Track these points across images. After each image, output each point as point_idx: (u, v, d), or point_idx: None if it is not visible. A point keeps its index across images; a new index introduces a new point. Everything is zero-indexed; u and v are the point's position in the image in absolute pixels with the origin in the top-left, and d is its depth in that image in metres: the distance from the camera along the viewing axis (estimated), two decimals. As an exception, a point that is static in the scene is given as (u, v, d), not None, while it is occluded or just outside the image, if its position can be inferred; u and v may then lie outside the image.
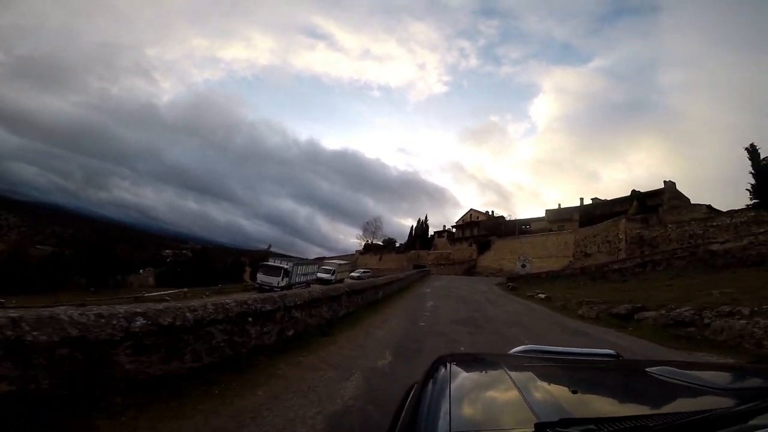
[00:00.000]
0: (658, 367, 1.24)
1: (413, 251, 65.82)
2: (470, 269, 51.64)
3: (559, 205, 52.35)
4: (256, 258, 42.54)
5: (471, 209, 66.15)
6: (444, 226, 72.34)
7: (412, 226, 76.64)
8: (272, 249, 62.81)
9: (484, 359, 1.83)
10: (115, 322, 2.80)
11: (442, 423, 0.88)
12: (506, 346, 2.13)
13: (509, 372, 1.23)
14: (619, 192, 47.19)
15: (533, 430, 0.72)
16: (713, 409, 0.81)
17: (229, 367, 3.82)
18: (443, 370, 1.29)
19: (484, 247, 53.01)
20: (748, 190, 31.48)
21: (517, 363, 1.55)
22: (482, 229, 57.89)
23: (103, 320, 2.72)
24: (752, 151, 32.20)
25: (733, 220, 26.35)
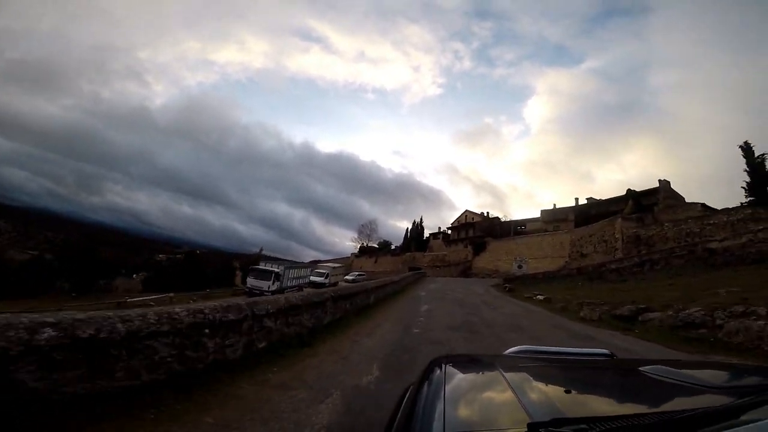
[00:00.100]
0: (652, 366, 1.23)
1: (409, 253, 65.24)
2: (466, 271, 51.14)
3: (555, 205, 52.15)
4: (248, 261, 41.43)
5: (466, 210, 65.79)
6: (439, 227, 72.04)
7: (408, 228, 76.29)
8: (267, 253, 61.90)
9: (479, 360, 1.84)
10: (12, 334, 2.29)
11: (437, 424, 0.87)
12: None
13: (504, 372, 1.23)
14: (613, 192, 46.95)
15: (526, 430, 0.71)
16: (705, 407, 0.80)
17: (179, 385, 3.19)
18: (438, 371, 1.29)
19: (479, 248, 52.58)
20: (743, 188, 31.44)
21: (512, 363, 1.53)
22: (477, 231, 57.48)
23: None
24: (746, 149, 32.17)
25: (730, 218, 26.14)
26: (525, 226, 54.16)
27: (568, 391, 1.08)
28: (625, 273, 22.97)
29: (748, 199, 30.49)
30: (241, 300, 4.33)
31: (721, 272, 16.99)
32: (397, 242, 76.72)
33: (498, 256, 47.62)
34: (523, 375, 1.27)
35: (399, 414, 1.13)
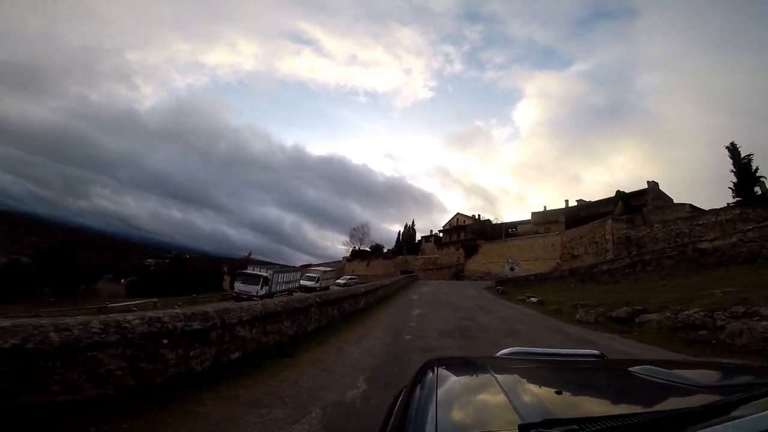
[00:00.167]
0: (641, 366, 1.23)
1: (401, 257, 64.81)
2: (458, 273, 50.92)
3: (545, 207, 52.38)
4: (236, 265, 40.42)
5: (458, 213, 65.68)
6: (431, 230, 71.78)
7: (400, 232, 75.86)
8: (257, 257, 60.89)
9: (471, 362, 1.85)
10: None
11: (429, 427, 0.88)
12: None
13: (495, 374, 1.23)
14: (602, 194, 47.48)
15: (517, 431, 0.71)
16: (694, 405, 0.81)
17: (131, 401, 2.79)
18: (430, 374, 1.28)
19: (471, 251, 52.43)
20: (730, 188, 31.82)
21: (504, 365, 1.52)
22: (469, 233, 57.37)
23: None
24: (733, 150, 32.61)
25: (719, 218, 26.38)
26: (516, 229, 54.25)
27: (558, 392, 1.08)
28: (617, 274, 22.94)
29: (736, 199, 30.87)
30: (209, 307, 3.86)
31: (713, 272, 16.97)
32: (389, 246, 76.32)
33: (490, 259, 47.51)
34: (515, 376, 1.29)
35: (392, 417, 1.13)
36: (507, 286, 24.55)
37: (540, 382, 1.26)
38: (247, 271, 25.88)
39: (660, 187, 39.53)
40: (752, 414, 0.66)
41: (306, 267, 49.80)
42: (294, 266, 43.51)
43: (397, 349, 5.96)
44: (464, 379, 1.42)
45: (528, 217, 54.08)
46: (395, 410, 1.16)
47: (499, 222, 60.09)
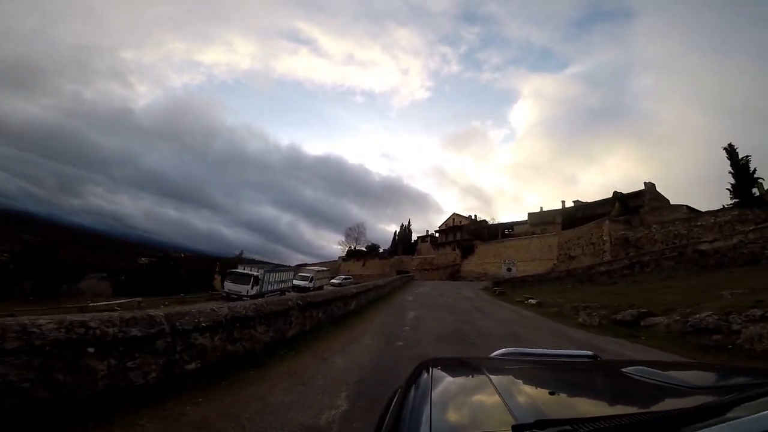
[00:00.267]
0: (634, 367, 1.23)
1: (396, 257, 64.24)
2: (454, 274, 50.44)
3: (542, 208, 51.96)
4: (226, 264, 39.49)
5: (454, 213, 65.22)
6: (427, 231, 71.26)
7: (396, 232, 75.28)
8: (254, 256, 59.96)
9: (466, 363, 1.88)
10: None
11: (424, 428, 0.88)
12: None
13: (490, 375, 1.22)
14: (597, 195, 47.38)
15: None
16: (687, 406, 0.81)
17: (41, 420, 2.21)
18: (425, 375, 1.28)
19: (467, 251, 51.97)
20: (728, 189, 31.64)
21: (498, 366, 1.52)
22: (465, 234, 56.92)
23: None
24: (731, 151, 32.43)
25: (718, 219, 26.08)
26: (513, 229, 53.87)
27: (552, 393, 1.09)
28: (615, 275, 22.58)
29: (734, 200, 30.68)
30: (159, 311, 3.26)
31: (714, 274, 16.60)
32: (385, 246, 75.70)
33: (486, 259, 47.08)
34: (509, 377, 1.30)
35: (387, 418, 1.13)
36: (504, 287, 24.05)
37: (534, 382, 1.26)
38: (237, 270, 25.08)
39: (656, 189, 39.36)
40: (746, 415, 0.65)
41: (301, 267, 49.06)
42: (287, 265, 42.68)
43: (388, 358, 5.32)
44: (459, 380, 1.41)
45: (524, 217, 53.73)
46: (390, 411, 1.17)
47: (496, 222, 59.77)
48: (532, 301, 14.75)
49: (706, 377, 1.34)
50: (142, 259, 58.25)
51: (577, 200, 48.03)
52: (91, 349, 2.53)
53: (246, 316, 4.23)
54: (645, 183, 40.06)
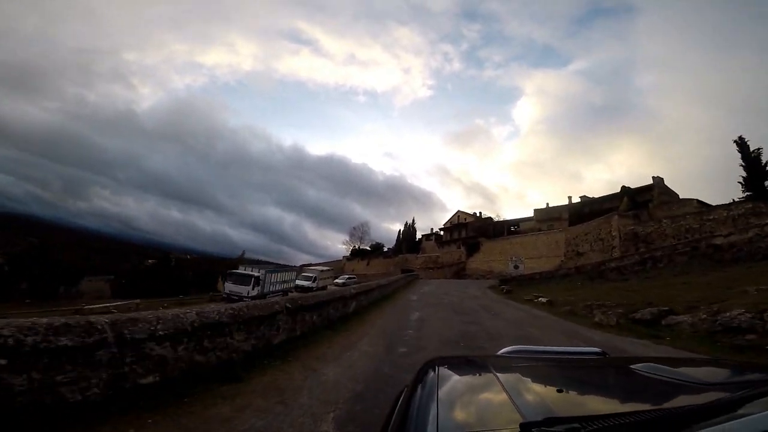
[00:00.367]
0: (643, 364, 1.22)
1: (401, 255, 63.73)
2: (459, 272, 49.85)
3: (548, 204, 51.18)
4: (227, 265, 39.17)
5: (458, 211, 64.54)
6: (432, 228, 70.63)
7: (400, 230, 74.76)
8: (260, 257, 59.76)
9: (472, 361, 1.85)
10: None
11: (431, 427, 0.86)
12: None
13: (497, 373, 1.22)
14: (602, 192, 46.27)
15: (519, 430, 0.70)
16: (698, 403, 0.79)
17: None
18: (432, 373, 1.26)
19: (472, 249, 51.33)
20: (739, 182, 30.94)
21: (505, 364, 1.51)
22: (470, 231, 56.27)
23: None
24: (741, 144, 31.67)
25: (731, 213, 25.34)
26: (518, 226, 53.15)
27: (560, 391, 1.08)
28: (626, 271, 21.99)
29: (746, 193, 29.90)
30: (104, 317, 2.81)
31: (731, 269, 15.98)
32: (389, 244, 75.22)
33: (492, 257, 46.44)
34: (516, 375, 1.28)
35: (393, 417, 1.12)
36: (511, 285, 23.51)
37: (541, 380, 1.25)
38: (238, 271, 24.67)
39: (664, 183, 38.55)
40: (758, 412, 0.64)
41: (305, 267, 48.70)
42: (290, 265, 42.36)
43: (388, 366, 4.74)
44: (465, 378, 1.39)
45: (529, 214, 52.99)
46: (396, 410, 1.15)
47: (501, 219, 59.04)
48: (542, 300, 14.21)
49: (716, 374, 1.32)
50: (149, 261, 58.30)
51: (584, 196, 47.24)
52: (2, 361, 2.11)
53: (219, 323, 3.73)
54: (653, 177, 39.27)
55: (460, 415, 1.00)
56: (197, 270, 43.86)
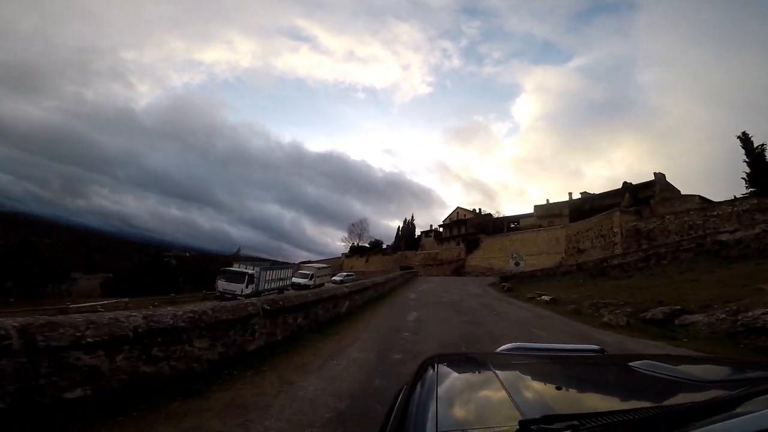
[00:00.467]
0: (642, 362, 1.21)
1: (400, 252, 63.28)
2: (459, 269, 49.43)
3: (548, 200, 50.73)
4: (224, 263, 38.55)
5: (458, 207, 64.01)
6: (431, 225, 70.11)
7: (399, 227, 74.35)
8: (261, 254, 59.27)
9: (472, 358, 1.84)
10: None
11: (430, 425, 0.86)
12: None
13: (496, 371, 1.21)
14: (603, 188, 45.89)
15: (518, 427, 0.71)
16: (697, 401, 0.79)
17: None
18: (431, 371, 1.25)
19: (472, 245, 50.88)
20: (743, 178, 30.59)
21: (505, 361, 1.51)
22: (470, 228, 55.79)
23: None
24: (745, 140, 31.26)
25: (735, 209, 24.87)
26: (518, 222, 52.71)
27: (559, 388, 1.08)
28: (629, 268, 21.56)
29: (750, 189, 29.49)
30: (12, 321, 2.29)
31: (739, 266, 15.56)
32: (388, 241, 74.75)
33: (492, 254, 46.02)
34: (515, 372, 1.28)
35: (392, 415, 1.11)
36: (512, 283, 23.05)
37: (540, 377, 1.26)
38: (231, 269, 24.05)
39: (666, 179, 38.09)
40: (757, 410, 0.64)
41: (303, 264, 48.22)
42: (286, 262, 41.81)
43: (379, 378, 4.09)
44: (465, 376, 1.37)
45: (529, 210, 52.49)
46: (395, 407, 1.15)
47: (501, 216, 58.55)
48: (545, 298, 13.74)
49: (715, 371, 1.32)
50: (144, 258, 57.63)
51: (585, 192, 46.78)
52: None
53: (174, 328, 3.20)
54: (655, 173, 38.84)
55: (459, 412, 1.00)
56: (194, 267, 43.29)
